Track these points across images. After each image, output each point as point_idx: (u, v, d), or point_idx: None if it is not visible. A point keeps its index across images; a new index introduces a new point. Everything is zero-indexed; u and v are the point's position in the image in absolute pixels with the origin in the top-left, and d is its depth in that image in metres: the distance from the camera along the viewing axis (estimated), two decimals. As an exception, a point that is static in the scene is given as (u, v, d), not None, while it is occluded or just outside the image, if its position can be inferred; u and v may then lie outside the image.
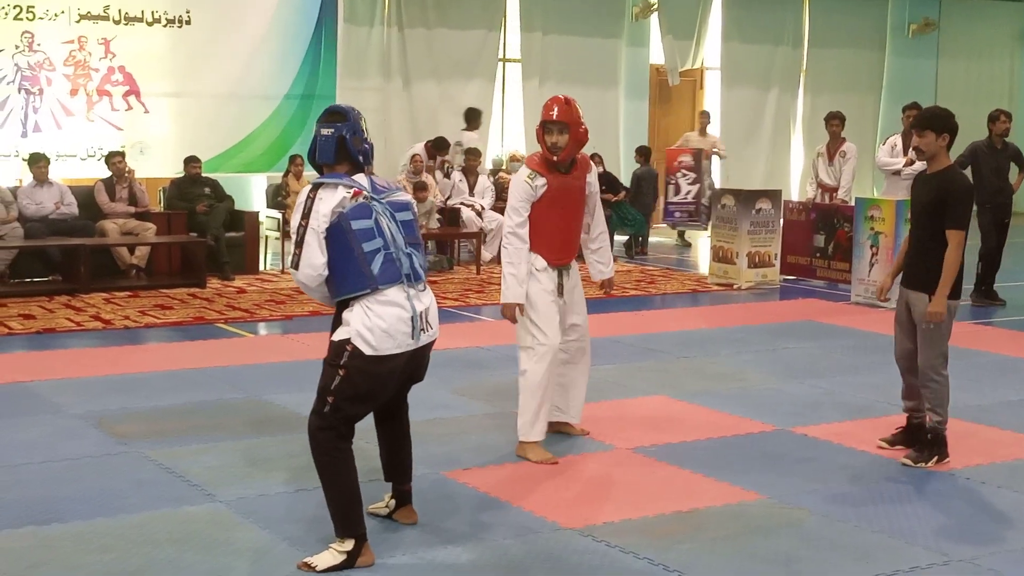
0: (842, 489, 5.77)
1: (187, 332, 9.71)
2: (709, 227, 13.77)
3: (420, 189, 13.45)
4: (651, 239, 16.08)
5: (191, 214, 12.87)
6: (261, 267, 13.35)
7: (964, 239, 6.04)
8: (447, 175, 14.61)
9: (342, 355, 4.61)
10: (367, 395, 4.68)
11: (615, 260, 14.33)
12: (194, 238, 12.51)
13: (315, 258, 4.58)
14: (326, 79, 14.92)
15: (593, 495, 5.65)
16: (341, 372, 4.60)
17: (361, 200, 4.63)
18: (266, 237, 13.74)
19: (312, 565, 4.61)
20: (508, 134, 17.76)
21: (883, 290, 6.55)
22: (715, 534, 5.12)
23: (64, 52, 13.50)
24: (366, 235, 4.60)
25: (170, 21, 14.02)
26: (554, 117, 6.07)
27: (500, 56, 17.33)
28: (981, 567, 4.81)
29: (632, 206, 15.31)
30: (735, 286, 12.48)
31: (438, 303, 5.08)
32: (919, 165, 12.33)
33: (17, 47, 13.27)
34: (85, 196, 12.53)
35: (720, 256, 12.74)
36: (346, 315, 4.65)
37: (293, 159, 13.78)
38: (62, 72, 13.51)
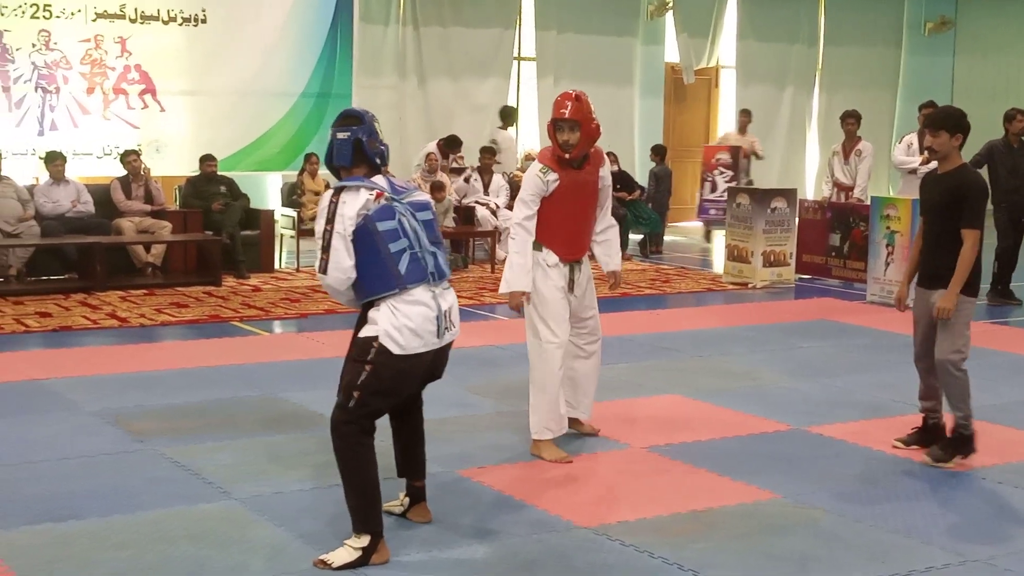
0: (857, 488, 5.76)
1: (202, 330, 9.73)
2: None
3: (437, 189, 13.43)
4: (666, 238, 16.07)
5: (207, 212, 12.90)
6: (276, 265, 13.37)
7: (980, 238, 6.01)
8: (466, 180, 14.54)
9: (369, 351, 4.63)
10: (392, 391, 4.71)
11: (630, 259, 14.50)
12: (210, 236, 12.53)
13: (343, 261, 4.61)
14: (342, 77, 14.94)
15: (607, 494, 5.65)
16: (368, 368, 4.63)
17: (384, 201, 4.66)
18: (281, 235, 13.76)
19: (328, 562, 4.62)
20: (523, 132, 17.75)
21: (901, 300, 6.47)
22: (730, 533, 5.11)
23: (80, 51, 13.54)
24: (392, 236, 4.64)
25: (186, 20, 14.06)
26: (566, 115, 6.05)
27: (515, 54, 17.33)
28: (997, 567, 4.80)
29: (647, 205, 15.31)
30: (750, 285, 12.46)
31: (452, 301, 5.09)
32: (935, 164, 12.32)
33: (34, 46, 13.32)
34: (101, 194, 12.57)
35: (735, 255, 12.72)
36: (372, 314, 4.68)
37: (308, 157, 13.80)
38: (78, 70, 13.55)
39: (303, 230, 13.22)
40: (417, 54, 16.24)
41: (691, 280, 13.03)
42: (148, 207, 12.64)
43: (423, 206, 4.84)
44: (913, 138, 12.53)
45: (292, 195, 13.83)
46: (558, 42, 17.29)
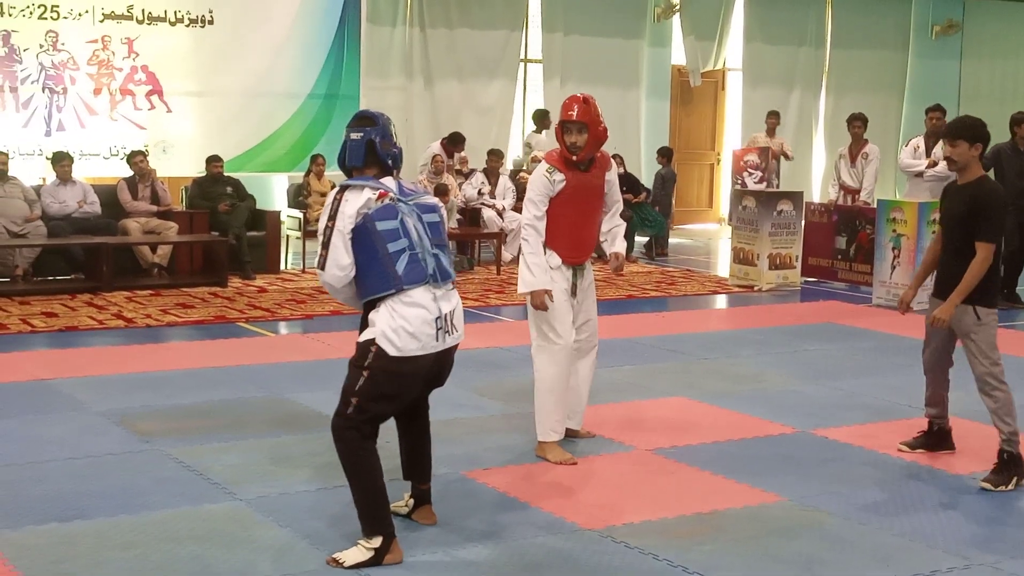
0: (863, 491, 5.76)
1: (208, 331, 9.75)
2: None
3: (441, 193, 13.38)
4: (671, 240, 16.08)
5: (213, 213, 12.92)
6: (282, 266, 13.38)
7: (994, 252, 5.87)
8: (480, 192, 14.43)
9: (367, 356, 4.63)
10: (391, 396, 4.70)
11: (636, 261, 14.50)
12: (216, 237, 12.55)
13: (341, 259, 4.63)
14: (349, 79, 14.96)
15: (613, 496, 5.65)
16: (365, 373, 4.63)
17: (387, 201, 4.66)
18: (287, 236, 13.77)
19: (340, 561, 4.64)
20: (529, 134, 17.74)
21: (905, 302, 6.36)
22: (735, 536, 5.11)
23: (88, 51, 13.58)
24: (391, 235, 4.63)
25: (193, 21, 14.09)
26: (574, 117, 6.05)
27: (522, 56, 17.33)
28: (1002, 571, 4.79)
29: (653, 208, 15.32)
30: (756, 288, 12.45)
31: (457, 303, 5.09)
32: (941, 167, 12.31)
33: (41, 46, 13.36)
34: (108, 195, 12.59)
35: (741, 258, 12.72)
36: (372, 316, 4.68)
37: (315, 159, 13.80)
38: (86, 71, 13.59)
39: (309, 231, 13.23)
40: (424, 55, 16.25)
41: (696, 282, 13.03)
42: (154, 208, 12.66)
43: (431, 208, 4.85)
44: (920, 141, 12.51)
45: (298, 196, 13.84)
46: (565, 44, 17.30)
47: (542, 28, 17.27)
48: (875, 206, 12.11)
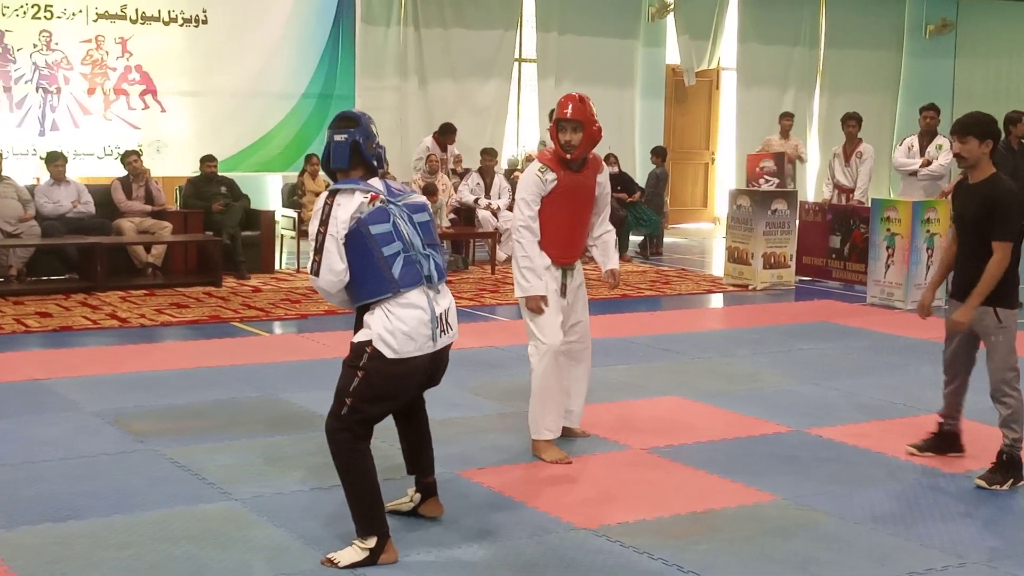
0: (858, 490, 5.76)
1: (203, 331, 9.74)
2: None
3: (429, 193, 13.28)
4: (666, 239, 16.09)
5: (207, 213, 12.90)
6: (277, 266, 13.37)
7: (1012, 251, 5.77)
8: (477, 201, 14.36)
9: (361, 356, 4.62)
10: (385, 396, 4.69)
11: (630, 261, 14.50)
12: (210, 237, 12.54)
13: (335, 264, 4.60)
14: (344, 79, 14.95)
15: (608, 495, 5.65)
16: (359, 374, 4.62)
17: (378, 204, 4.65)
18: (282, 236, 13.76)
19: (335, 561, 4.63)
20: (524, 134, 17.76)
21: (925, 307, 6.26)
22: (730, 535, 5.11)
23: (81, 51, 13.56)
24: (385, 239, 4.62)
25: (187, 20, 14.08)
26: (568, 115, 6.04)
27: (516, 56, 17.33)
28: (997, 570, 4.79)
29: (647, 207, 15.33)
30: (750, 287, 12.46)
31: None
32: (935, 166, 12.35)
33: (35, 46, 13.34)
34: (102, 195, 12.58)
35: (735, 257, 12.72)
36: (367, 318, 4.67)
37: (309, 158, 13.80)
38: (79, 71, 13.57)
39: (303, 231, 13.19)
40: (418, 55, 16.25)
41: (691, 282, 13.03)
42: (149, 207, 12.65)
43: (419, 208, 4.82)
44: (914, 140, 12.54)
45: (293, 196, 13.84)
46: (559, 44, 17.30)
47: (536, 28, 17.27)
48: (869, 205, 12.12)
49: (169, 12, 13.96)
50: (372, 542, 4.63)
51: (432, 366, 4.80)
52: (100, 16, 13.61)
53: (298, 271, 13.10)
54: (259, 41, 14.45)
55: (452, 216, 14.13)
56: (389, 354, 4.60)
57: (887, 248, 11.49)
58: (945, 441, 6.27)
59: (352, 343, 4.70)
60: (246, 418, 6.87)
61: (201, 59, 14.17)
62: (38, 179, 13.10)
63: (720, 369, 8.48)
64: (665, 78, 18.76)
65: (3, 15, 13.15)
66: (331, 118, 5.05)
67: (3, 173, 12.02)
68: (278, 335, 9.80)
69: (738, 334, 9.94)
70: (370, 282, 4.63)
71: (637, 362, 8.63)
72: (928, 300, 6.26)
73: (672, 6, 18.04)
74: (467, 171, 14.82)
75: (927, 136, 12.46)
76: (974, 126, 5.85)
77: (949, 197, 11.44)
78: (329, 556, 4.67)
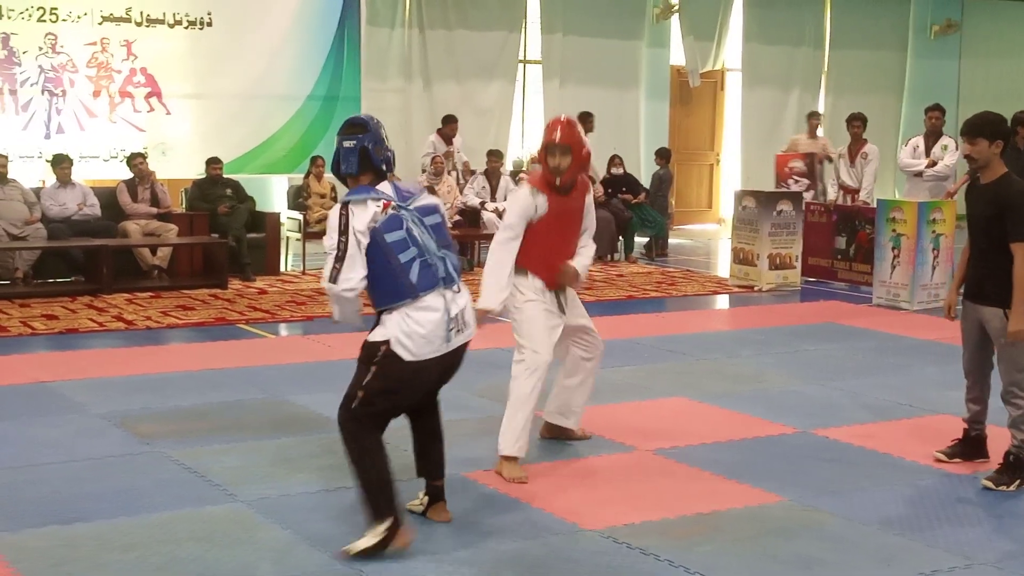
0: (863, 491, 5.75)
1: (208, 333, 9.74)
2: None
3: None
4: (671, 240, 16.08)
5: (213, 215, 12.91)
6: (282, 268, 13.37)
7: None
8: (482, 204, 14.32)
9: (376, 354, 4.68)
10: (398, 391, 4.75)
11: (635, 262, 14.50)
12: (215, 239, 12.55)
13: (355, 272, 4.66)
14: (349, 80, 14.95)
15: (613, 497, 5.64)
16: (373, 368, 4.68)
17: (391, 212, 4.68)
18: (287, 238, 13.77)
19: (350, 551, 4.71)
20: (528, 136, 17.75)
21: (950, 308, 6.22)
22: (736, 536, 5.11)
23: (87, 54, 13.57)
24: (400, 246, 4.68)
25: (191, 23, 14.09)
26: (557, 140, 5.91)
27: (521, 57, 17.33)
28: (1005, 571, 4.79)
29: (652, 208, 15.33)
30: (756, 288, 12.45)
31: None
32: (940, 167, 12.34)
33: (40, 49, 13.35)
34: (107, 197, 12.59)
35: (741, 258, 12.71)
36: (385, 317, 4.73)
37: (315, 160, 13.80)
38: (85, 74, 13.58)
39: (309, 233, 13.22)
40: (423, 57, 16.25)
41: (696, 283, 13.03)
42: (154, 210, 12.66)
43: (431, 210, 4.86)
44: (919, 141, 12.53)
45: (298, 198, 13.84)
46: (564, 45, 17.29)
47: (541, 29, 17.26)
48: (875, 206, 12.11)
49: (174, 15, 13.97)
50: (385, 525, 4.67)
51: (448, 362, 4.85)
52: (105, 19, 13.63)
53: (304, 273, 13.11)
54: (264, 43, 14.46)
55: (457, 218, 14.13)
56: (407, 356, 4.66)
57: (893, 249, 11.48)
58: (971, 447, 6.20)
59: (367, 341, 4.74)
60: (252, 420, 6.88)
61: (206, 61, 14.18)
62: (44, 182, 13.12)
63: (725, 370, 8.47)
64: (670, 79, 18.75)
65: (8, 18, 13.16)
66: (336, 120, 5.10)
67: (9, 176, 12.04)
68: (284, 337, 9.80)
69: (743, 335, 9.94)
70: (389, 288, 4.70)
71: (642, 363, 8.63)
72: (952, 301, 6.25)
73: (677, 7, 18.03)
74: (473, 173, 14.82)
75: (932, 136, 12.45)
76: (984, 127, 5.81)
77: (955, 197, 11.47)
78: (345, 548, 4.73)
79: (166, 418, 6.87)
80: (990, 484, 5.80)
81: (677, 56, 18.57)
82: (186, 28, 14.07)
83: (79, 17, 13.49)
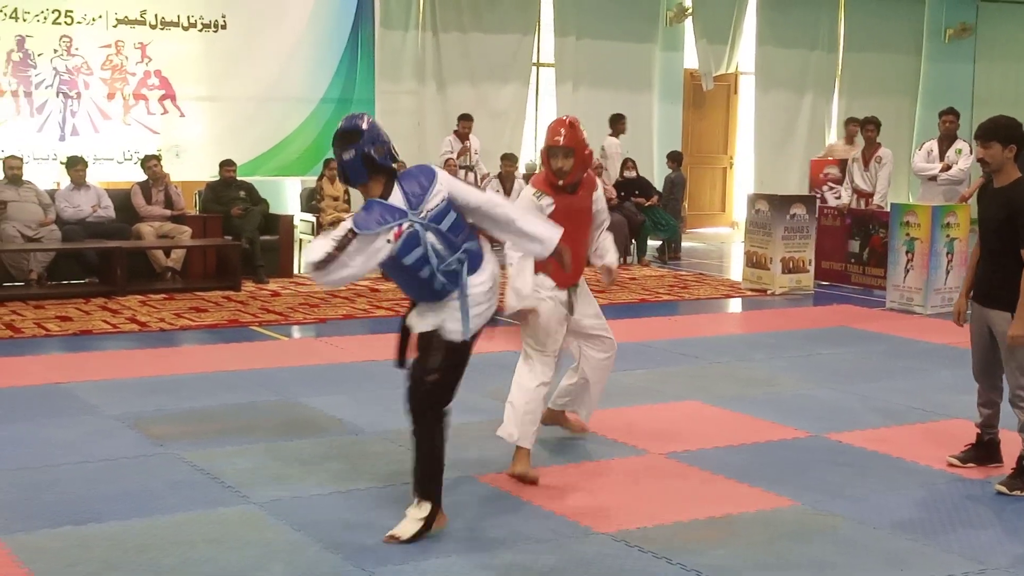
0: (876, 496, 5.74)
1: (222, 335, 9.76)
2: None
3: None
4: (684, 244, 16.07)
5: (226, 217, 12.94)
6: (295, 270, 13.39)
7: None
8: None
9: (433, 341, 4.92)
10: (463, 363, 5.04)
11: (648, 265, 14.49)
12: (229, 241, 12.57)
13: (344, 273, 4.79)
14: (363, 83, 14.98)
15: (626, 500, 5.64)
16: (440, 351, 4.92)
17: (406, 230, 4.74)
18: (300, 240, 13.79)
19: (397, 536, 4.87)
20: (541, 139, 17.72)
21: (960, 314, 6.20)
22: (748, 540, 5.10)
23: (101, 56, 13.61)
24: (420, 264, 4.85)
25: (206, 25, 14.12)
26: (560, 142, 5.92)
27: (534, 60, 17.33)
28: (1017, 575, 4.77)
29: (664, 211, 15.32)
30: (769, 291, 12.43)
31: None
32: (954, 171, 12.31)
33: (55, 51, 13.40)
34: (122, 199, 12.63)
35: (753, 261, 12.70)
36: (423, 306, 5.01)
37: (328, 163, 13.81)
38: (99, 76, 13.62)
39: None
40: (436, 60, 16.26)
41: (709, 286, 13.01)
42: (168, 212, 12.70)
43: (443, 214, 4.87)
44: (933, 145, 12.50)
45: (311, 200, 13.86)
46: (577, 48, 17.28)
47: (554, 32, 17.26)
48: (888, 210, 12.08)
49: (188, 17, 14.01)
50: (426, 510, 4.90)
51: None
52: (120, 21, 13.67)
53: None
54: (278, 46, 14.49)
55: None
56: (458, 338, 4.93)
57: (906, 253, 11.45)
58: (985, 451, 6.18)
59: (421, 333, 4.97)
60: (264, 422, 6.89)
61: (220, 64, 14.22)
62: (58, 184, 13.16)
63: (738, 373, 8.46)
64: (683, 82, 18.73)
65: (24, 20, 13.22)
66: (350, 123, 5.05)
67: (24, 178, 12.09)
68: (296, 339, 9.82)
69: (756, 339, 9.92)
70: (420, 294, 4.98)
71: (655, 366, 8.62)
72: (962, 307, 6.22)
73: (690, 10, 18.01)
74: (487, 176, 14.82)
75: (947, 140, 12.42)
76: (997, 131, 5.81)
77: (969, 201, 11.43)
78: (391, 533, 4.90)
79: (179, 420, 6.89)
80: (1003, 489, 5.79)
81: (691, 59, 18.54)
82: (200, 31, 14.10)
83: (94, 20, 13.54)
